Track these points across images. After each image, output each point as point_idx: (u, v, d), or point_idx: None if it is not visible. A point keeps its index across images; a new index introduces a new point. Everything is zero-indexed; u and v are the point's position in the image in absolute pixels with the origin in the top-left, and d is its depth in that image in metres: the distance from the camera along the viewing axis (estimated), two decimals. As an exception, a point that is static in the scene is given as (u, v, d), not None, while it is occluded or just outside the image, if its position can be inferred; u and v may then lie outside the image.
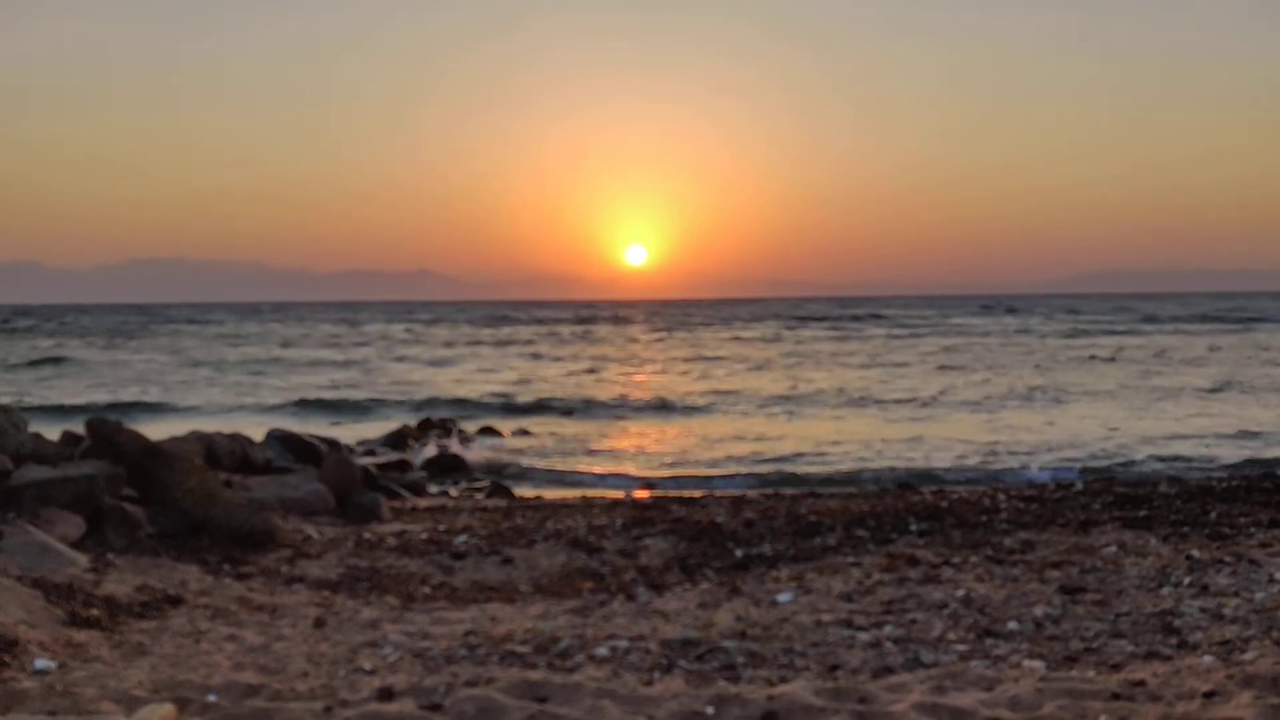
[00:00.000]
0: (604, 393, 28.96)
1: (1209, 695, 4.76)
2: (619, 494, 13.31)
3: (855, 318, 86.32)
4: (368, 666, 5.58)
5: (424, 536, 9.32)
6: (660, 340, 59.17)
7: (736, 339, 58.75)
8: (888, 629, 6.18)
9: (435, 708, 4.77)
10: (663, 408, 25.57)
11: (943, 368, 35.87)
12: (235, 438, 11.76)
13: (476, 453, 17.63)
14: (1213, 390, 26.89)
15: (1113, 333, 57.89)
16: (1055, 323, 71.11)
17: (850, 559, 8.08)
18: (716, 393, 28.41)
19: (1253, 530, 8.72)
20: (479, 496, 13.38)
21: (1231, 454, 16.94)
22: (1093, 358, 38.59)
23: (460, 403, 26.18)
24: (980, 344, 49.26)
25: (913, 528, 9.17)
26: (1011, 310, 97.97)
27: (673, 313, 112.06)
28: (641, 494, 13.39)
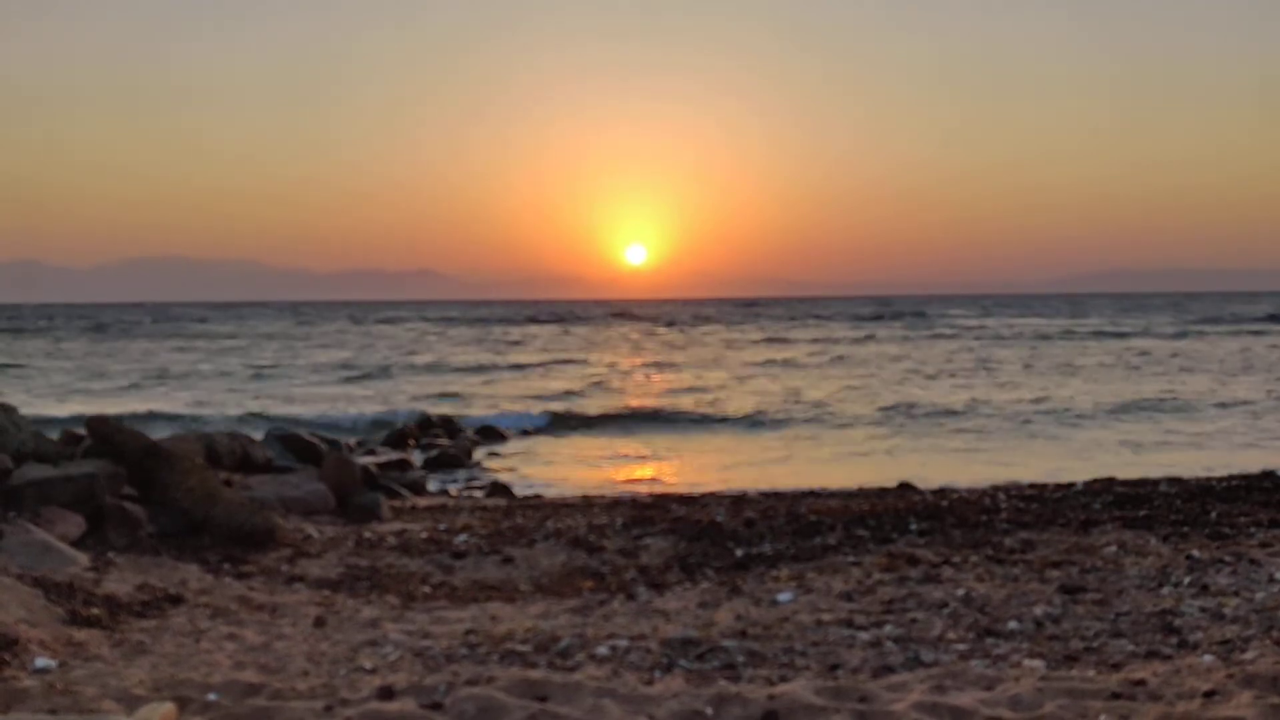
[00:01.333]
0: (631, 397, 27.32)
1: (1209, 695, 4.77)
2: (619, 493, 13.31)
3: (877, 317, 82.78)
4: (368, 665, 5.58)
5: (424, 536, 9.32)
6: (678, 340, 56.42)
7: (768, 339, 55.43)
8: (888, 628, 6.18)
9: (436, 706, 4.77)
10: (699, 420, 22.57)
11: (1041, 373, 31.90)
12: (235, 436, 11.77)
13: (476, 452, 17.63)
14: None
15: (1152, 335, 54.50)
16: (1088, 321, 68.58)
17: (850, 558, 8.09)
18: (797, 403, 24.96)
19: (1253, 530, 8.72)
20: (479, 495, 13.38)
21: None
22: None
23: (460, 402, 26.19)
24: (1057, 346, 45.73)
25: (913, 527, 9.17)
26: (1037, 310, 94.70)
27: (685, 312, 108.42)
28: (642, 493, 13.38)
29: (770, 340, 54.91)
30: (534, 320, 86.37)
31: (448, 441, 17.93)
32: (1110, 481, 12.19)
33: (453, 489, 14.18)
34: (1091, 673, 5.25)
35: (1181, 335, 54.57)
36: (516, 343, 55.29)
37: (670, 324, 79.37)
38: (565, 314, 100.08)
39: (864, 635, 6.06)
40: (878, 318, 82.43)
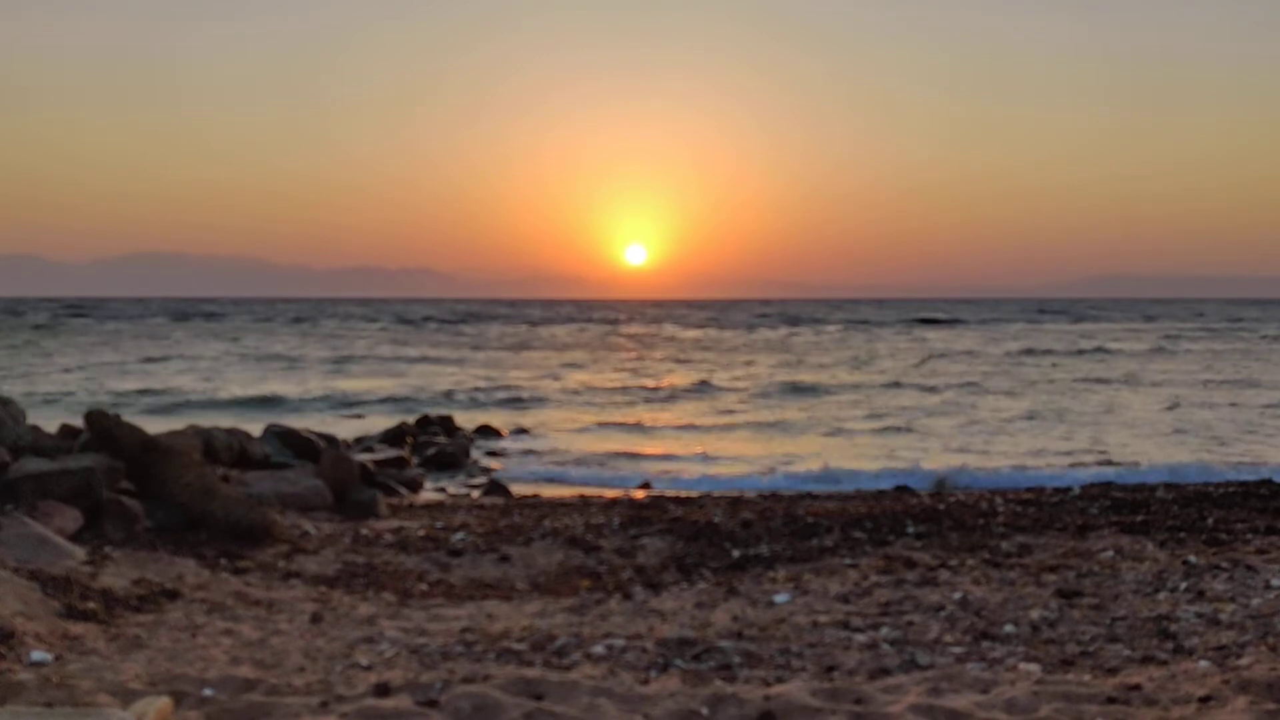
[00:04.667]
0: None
1: (1204, 700, 4.77)
2: (617, 493, 13.32)
3: (928, 320, 77.36)
4: (364, 662, 5.59)
5: (421, 533, 9.33)
6: (713, 345, 50.66)
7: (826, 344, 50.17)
8: (884, 630, 6.18)
9: (431, 704, 4.77)
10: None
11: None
12: (233, 432, 11.77)
13: (474, 451, 17.62)
14: None
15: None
16: (1156, 326, 65.65)
17: (847, 560, 8.09)
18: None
19: (1249, 536, 8.72)
20: (476, 494, 13.39)
21: None
22: None
23: (458, 403, 26.19)
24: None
25: (910, 530, 9.18)
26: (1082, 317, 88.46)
27: (701, 313, 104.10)
28: (639, 493, 13.39)
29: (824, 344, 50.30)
30: (535, 322, 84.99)
31: (445, 440, 17.92)
32: (1107, 486, 12.20)
33: (450, 487, 14.18)
34: (1087, 677, 5.26)
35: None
36: (519, 346, 54.54)
37: (696, 325, 74.46)
38: (586, 316, 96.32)
39: (860, 637, 6.06)
40: (931, 320, 76.91)
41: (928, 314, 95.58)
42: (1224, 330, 64.03)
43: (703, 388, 29.60)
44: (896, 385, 29.84)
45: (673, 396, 27.45)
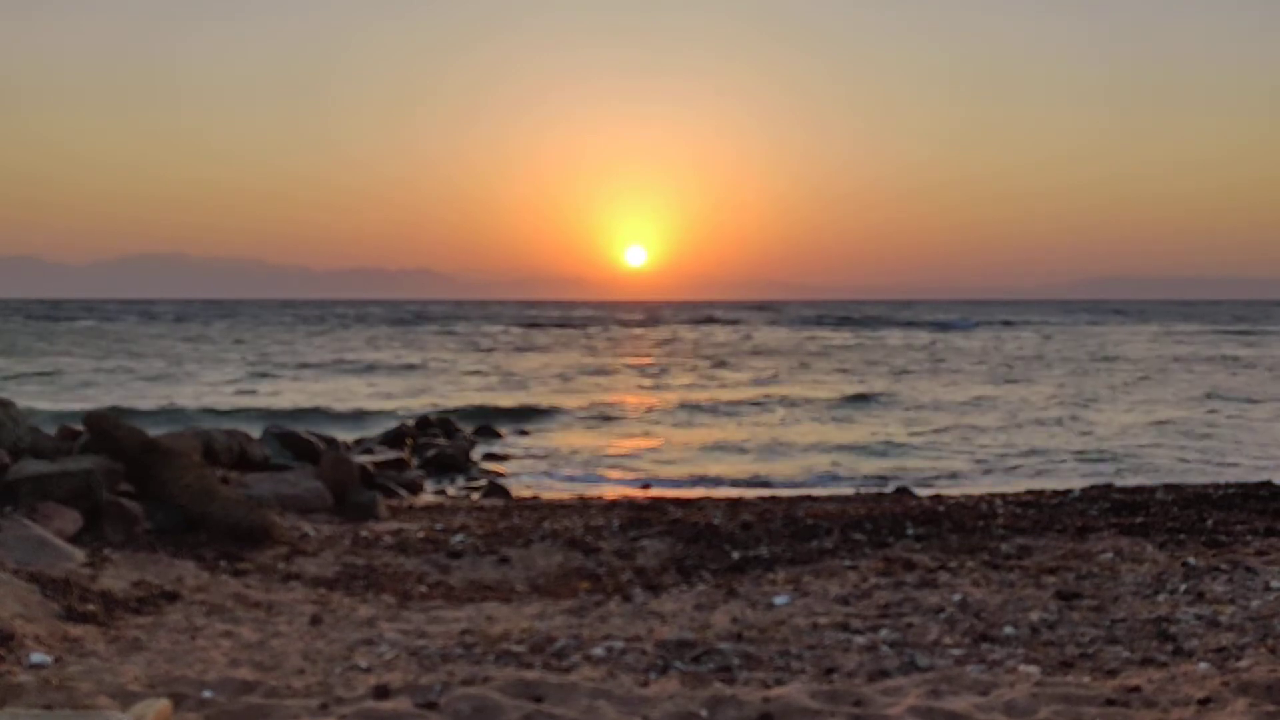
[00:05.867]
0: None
1: (1204, 702, 4.77)
2: (616, 495, 13.31)
3: (940, 324, 75.42)
4: (364, 664, 5.59)
5: (421, 535, 9.33)
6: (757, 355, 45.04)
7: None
8: (884, 632, 6.18)
9: (431, 706, 4.77)
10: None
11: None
12: (233, 434, 11.77)
13: (474, 453, 17.62)
14: None
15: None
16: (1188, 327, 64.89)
17: (847, 562, 8.09)
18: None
19: (1249, 538, 8.72)
20: (476, 496, 13.38)
21: None
22: None
23: (458, 404, 26.19)
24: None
25: (910, 532, 9.18)
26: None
27: (704, 314, 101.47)
28: (639, 495, 13.38)
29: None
30: (535, 324, 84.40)
31: (445, 441, 17.90)
32: (1107, 488, 12.19)
33: (450, 489, 14.18)
34: (1087, 679, 5.26)
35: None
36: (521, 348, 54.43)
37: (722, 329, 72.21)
38: (591, 318, 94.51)
39: (860, 639, 6.06)
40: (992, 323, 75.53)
41: (939, 316, 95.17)
42: (1244, 334, 63.68)
43: (774, 400, 26.19)
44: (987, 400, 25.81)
45: (674, 404, 27.41)
